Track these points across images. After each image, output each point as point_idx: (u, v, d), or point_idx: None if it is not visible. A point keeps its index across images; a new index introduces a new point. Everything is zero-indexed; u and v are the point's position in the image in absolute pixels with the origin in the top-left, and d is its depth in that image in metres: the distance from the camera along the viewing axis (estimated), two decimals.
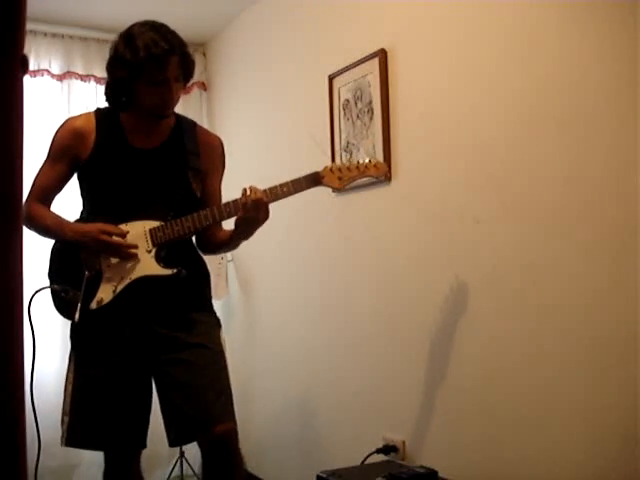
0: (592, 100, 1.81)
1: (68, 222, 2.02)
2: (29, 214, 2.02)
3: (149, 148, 2.03)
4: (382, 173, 2.03)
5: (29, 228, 2.03)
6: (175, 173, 2.03)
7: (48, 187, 2.04)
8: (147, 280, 1.95)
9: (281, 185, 1.93)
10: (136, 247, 1.95)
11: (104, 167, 2.00)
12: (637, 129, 1.69)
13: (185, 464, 3.60)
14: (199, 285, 2.11)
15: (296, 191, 1.95)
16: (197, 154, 2.08)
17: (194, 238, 2.15)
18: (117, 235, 1.94)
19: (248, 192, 1.88)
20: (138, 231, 1.96)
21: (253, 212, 1.88)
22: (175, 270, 1.95)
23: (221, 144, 2.18)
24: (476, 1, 2.17)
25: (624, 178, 1.73)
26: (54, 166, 2.03)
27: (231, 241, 2.05)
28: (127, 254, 1.94)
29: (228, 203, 1.96)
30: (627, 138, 1.71)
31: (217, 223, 2.01)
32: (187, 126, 2.12)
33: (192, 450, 3.37)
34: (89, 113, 2.08)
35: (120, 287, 1.95)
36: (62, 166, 2.03)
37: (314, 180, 1.97)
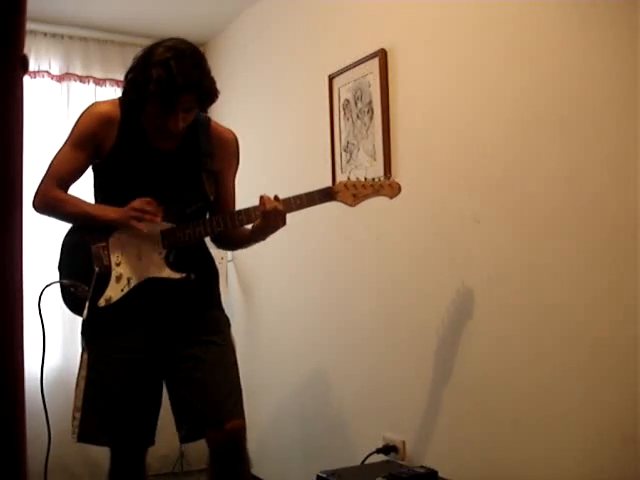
0: (593, 100, 1.81)
1: (104, 205, 1.99)
2: (52, 198, 1.97)
3: (166, 149, 2.02)
4: (396, 193, 2.01)
5: (47, 213, 2.00)
6: (189, 176, 2.02)
7: (68, 172, 1.99)
8: (156, 281, 1.96)
9: (294, 197, 1.93)
10: (156, 215, 1.91)
11: (123, 163, 1.98)
12: (638, 130, 1.68)
13: (185, 462, 3.61)
14: (209, 284, 2.11)
15: (309, 205, 1.94)
16: (211, 155, 2.06)
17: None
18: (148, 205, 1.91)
19: (265, 201, 1.88)
20: (151, 231, 1.95)
21: (272, 221, 1.90)
22: (184, 274, 1.95)
23: (235, 140, 2.16)
24: (476, 1, 2.17)
25: (625, 179, 1.73)
26: (76, 152, 1.98)
27: (246, 242, 2.07)
28: (149, 219, 1.90)
29: (240, 211, 1.96)
30: (628, 139, 1.71)
31: (228, 230, 2.00)
32: (202, 124, 2.08)
33: (193, 449, 3.38)
34: (115, 100, 2.03)
35: (129, 287, 1.95)
36: (84, 152, 1.98)
37: (328, 195, 1.95)
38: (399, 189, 2.01)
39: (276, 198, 1.91)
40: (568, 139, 1.87)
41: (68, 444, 2.04)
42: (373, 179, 2.00)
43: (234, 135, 2.17)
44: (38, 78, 3.63)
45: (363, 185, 1.97)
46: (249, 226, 2.01)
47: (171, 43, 1.90)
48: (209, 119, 2.14)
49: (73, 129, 2.01)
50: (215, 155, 2.08)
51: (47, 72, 3.66)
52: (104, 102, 2.05)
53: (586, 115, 1.82)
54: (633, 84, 1.69)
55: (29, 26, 3.41)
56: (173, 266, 1.97)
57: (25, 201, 0.69)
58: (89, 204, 2.01)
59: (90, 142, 1.98)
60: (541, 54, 1.95)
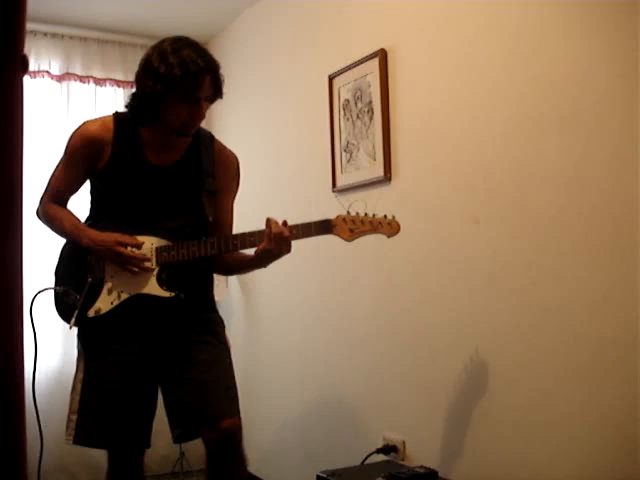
0: (593, 100, 1.81)
1: (85, 228, 2.00)
2: (46, 214, 2.05)
3: (165, 165, 2.00)
4: (395, 232, 1.96)
5: (44, 224, 2.07)
6: (189, 194, 2.01)
7: (63, 189, 2.05)
8: (146, 297, 1.96)
9: (289, 227, 1.88)
10: (149, 260, 1.94)
11: (118, 180, 1.98)
12: (638, 130, 1.68)
13: (185, 462, 3.61)
14: (202, 287, 2.11)
15: (304, 236, 1.90)
16: (213, 175, 2.05)
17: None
18: (132, 247, 1.93)
19: (272, 224, 1.85)
20: (146, 247, 1.96)
21: (276, 246, 1.86)
22: (173, 294, 1.95)
23: (236, 163, 2.15)
24: (477, 1, 2.17)
25: (625, 179, 1.72)
26: (69, 170, 2.03)
27: (246, 268, 2.05)
28: (139, 267, 1.94)
29: (236, 236, 1.94)
30: (628, 139, 1.71)
31: (221, 253, 1.98)
32: (205, 141, 2.08)
33: (192, 449, 3.37)
34: (107, 118, 2.02)
35: (118, 300, 1.97)
36: (77, 171, 2.02)
37: (325, 228, 1.91)
38: (398, 228, 1.96)
39: (284, 223, 1.87)
40: (569, 139, 1.87)
41: (68, 445, 2.04)
42: (374, 215, 1.94)
43: (236, 158, 2.15)
44: (38, 78, 3.63)
45: (362, 221, 1.93)
46: (248, 252, 1.99)
47: (173, 37, 1.92)
48: (212, 137, 2.13)
49: (66, 148, 2.04)
50: (216, 176, 2.06)
51: (47, 72, 3.66)
52: (94, 122, 2.03)
53: (587, 115, 1.82)
54: (633, 84, 1.69)
55: (29, 26, 3.41)
56: (166, 285, 1.96)
57: (25, 201, 0.69)
58: (70, 223, 2.01)
59: (82, 162, 2.00)
60: (542, 54, 1.95)
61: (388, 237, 1.98)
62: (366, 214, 1.95)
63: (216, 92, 1.95)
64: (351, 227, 1.93)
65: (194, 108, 1.90)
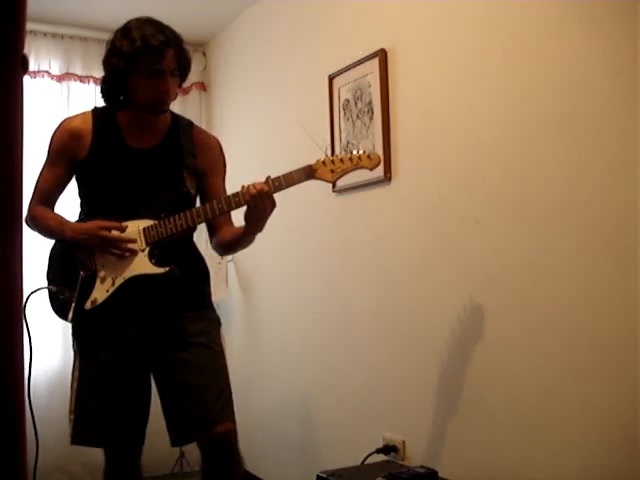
0: (593, 100, 1.81)
1: (68, 222, 2.03)
2: (32, 216, 2.04)
3: (145, 148, 2.03)
4: (376, 164, 1.96)
5: (33, 230, 2.06)
6: (170, 172, 2.03)
7: (49, 190, 2.06)
8: (141, 279, 1.96)
9: (273, 179, 1.91)
10: (135, 241, 1.95)
11: (100, 168, 2.00)
12: (638, 130, 1.68)
13: (185, 463, 3.61)
14: (197, 283, 2.11)
15: (288, 185, 1.91)
16: (193, 154, 2.08)
17: (208, 240, 2.16)
18: (116, 230, 1.94)
19: (249, 189, 1.87)
20: (133, 230, 1.96)
21: (259, 203, 1.87)
22: (167, 268, 1.95)
23: (218, 144, 2.18)
24: (477, 1, 2.17)
25: (625, 178, 1.73)
26: (53, 169, 2.05)
27: (243, 237, 2.02)
28: (125, 249, 1.94)
29: (220, 200, 1.95)
30: (628, 139, 1.71)
31: (209, 220, 2.00)
32: (184, 126, 2.12)
33: (192, 450, 3.37)
34: (86, 113, 2.08)
35: (113, 287, 1.96)
36: (61, 168, 2.04)
37: (307, 173, 1.94)
38: (378, 159, 1.97)
39: (267, 180, 1.89)
40: (569, 139, 1.87)
41: (66, 444, 2.04)
42: (352, 152, 1.95)
43: (217, 140, 2.20)
44: (38, 78, 3.63)
45: (341, 160, 1.94)
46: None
47: (136, 18, 1.99)
48: (192, 123, 2.16)
49: (48, 147, 2.07)
50: (198, 156, 2.09)
51: (47, 72, 3.66)
52: (73, 117, 2.08)
53: (587, 115, 1.82)
54: (633, 84, 1.69)
55: (29, 26, 3.41)
56: (158, 263, 1.96)
57: (25, 201, 0.69)
58: (54, 220, 2.03)
59: (63, 157, 2.03)
60: (541, 54, 1.95)
61: (370, 170, 1.99)
62: (344, 153, 1.97)
63: (181, 66, 1.99)
64: (332, 168, 1.94)
65: (159, 82, 1.94)
